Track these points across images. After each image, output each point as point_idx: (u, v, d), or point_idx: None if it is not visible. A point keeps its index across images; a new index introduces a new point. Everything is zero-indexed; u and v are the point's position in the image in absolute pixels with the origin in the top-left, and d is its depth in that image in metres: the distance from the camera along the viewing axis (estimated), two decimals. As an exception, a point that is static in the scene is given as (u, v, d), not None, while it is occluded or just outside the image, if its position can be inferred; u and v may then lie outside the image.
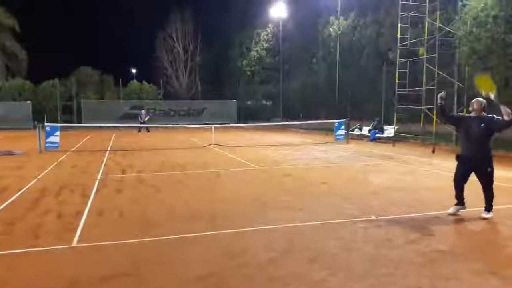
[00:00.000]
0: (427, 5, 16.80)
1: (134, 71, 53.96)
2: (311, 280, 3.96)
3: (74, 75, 37.58)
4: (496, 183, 8.81)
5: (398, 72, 18.24)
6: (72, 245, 4.96)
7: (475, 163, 6.16)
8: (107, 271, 4.18)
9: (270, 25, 38.43)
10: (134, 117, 33.76)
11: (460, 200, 6.24)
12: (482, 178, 6.19)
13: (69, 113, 33.81)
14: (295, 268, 4.24)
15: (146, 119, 27.28)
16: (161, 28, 41.96)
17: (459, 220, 6.02)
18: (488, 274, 4.10)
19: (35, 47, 39.54)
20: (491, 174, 6.16)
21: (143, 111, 28.11)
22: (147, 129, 26.41)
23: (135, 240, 5.13)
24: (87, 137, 22.59)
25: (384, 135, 19.85)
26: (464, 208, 6.24)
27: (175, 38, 41.74)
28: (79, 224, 5.78)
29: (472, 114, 6.24)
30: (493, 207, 6.16)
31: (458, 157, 6.30)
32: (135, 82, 38.35)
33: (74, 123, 30.89)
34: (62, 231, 5.49)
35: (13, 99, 33.06)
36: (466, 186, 6.27)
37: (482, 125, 6.06)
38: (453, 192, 6.29)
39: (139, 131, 26.27)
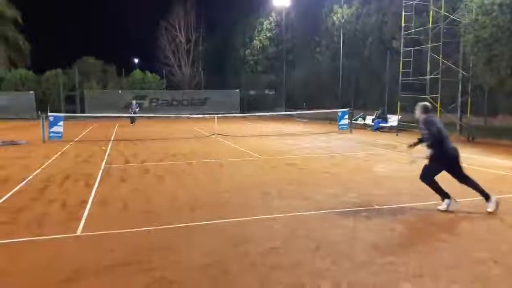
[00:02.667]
0: (432, -8, 16.60)
1: (136, 61, 53.84)
2: (314, 269, 3.98)
3: (77, 65, 37.51)
4: (502, 173, 8.86)
5: (402, 60, 18.12)
6: (77, 234, 4.99)
7: (458, 159, 5.99)
8: (111, 260, 4.22)
9: (273, 13, 38.08)
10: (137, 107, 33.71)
11: (445, 193, 5.99)
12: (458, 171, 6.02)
13: (72, 103, 33.81)
14: (298, 257, 4.26)
15: (137, 109, 26.59)
16: (163, 17, 41.72)
17: (462, 209, 6.00)
18: (491, 263, 4.11)
19: (38, 38, 39.53)
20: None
21: (134, 101, 27.55)
22: (132, 120, 25.78)
23: (139, 229, 5.16)
24: (91, 127, 22.64)
25: (388, 124, 19.77)
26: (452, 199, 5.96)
27: (177, 28, 41.46)
28: (83, 213, 5.82)
29: (433, 116, 6.25)
30: (498, 197, 6.05)
31: (446, 157, 5.92)
32: (138, 72, 38.26)
33: (77, 113, 30.91)
34: (66, 220, 5.53)
35: (16, 89, 33.08)
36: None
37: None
38: (456, 181, 6.09)
39: (132, 122, 25.61)
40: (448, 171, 5.97)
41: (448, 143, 5.93)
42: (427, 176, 6.02)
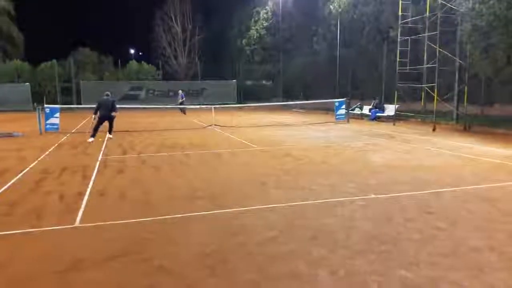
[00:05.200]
0: (429, -19, 16.50)
1: (132, 51, 53.42)
2: (311, 257, 4.01)
3: (72, 56, 37.21)
4: (499, 161, 8.95)
5: (399, 50, 18.07)
6: (75, 225, 5.00)
7: (108, 118, 13.27)
8: (110, 250, 4.23)
9: (269, 2, 37.79)
10: (134, 98, 33.60)
11: (95, 134, 13.03)
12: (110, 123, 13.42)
13: (69, 95, 33.58)
14: (296, 246, 4.29)
15: (183, 100, 26.88)
16: (158, 7, 41.33)
17: (458, 197, 6.05)
18: (487, 250, 4.15)
19: (32, 28, 39.07)
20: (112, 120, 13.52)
21: (180, 91, 27.60)
22: (183, 110, 26.23)
23: (137, 219, 5.18)
24: (87, 119, 22.51)
25: (385, 114, 19.79)
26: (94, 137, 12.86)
27: (173, 18, 41.12)
28: (81, 204, 5.82)
29: (101, 98, 13.50)
30: (495, 185, 6.58)
31: (101, 118, 13.19)
32: (134, 63, 38.00)
33: (74, 104, 30.74)
34: (64, 211, 5.53)
35: (12, 81, 32.81)
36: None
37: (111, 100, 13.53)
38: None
39: (184, 112, 26.07)
40: (104, 122, 13.25)
41: (102, 112, 13.09)
42: (95, 126, 13.02)
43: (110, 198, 6.23)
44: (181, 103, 26.23)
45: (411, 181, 7.08)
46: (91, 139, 12.68)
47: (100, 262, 3.96)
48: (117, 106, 13.61)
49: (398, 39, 18.11)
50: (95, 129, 12.99)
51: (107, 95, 13.63)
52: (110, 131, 13.54)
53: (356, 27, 26.14)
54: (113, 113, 13.21)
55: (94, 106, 13.43)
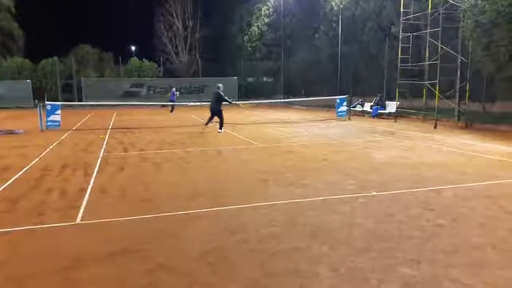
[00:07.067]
0: (431, -23, 16.41)
1: (133, 48, 53.33)
2: (312, 255, 4.01)
3: (73, 53, 37.21)
4: (500, 159, 8.97)
5: (401, 46, 18.00)
6: (76, 222, 5.01)
7: (214, 111, 13.93)
8: (111, 247, 4.24)
9: (271, -1, 37.67)
10: (135, 95, 33.60)
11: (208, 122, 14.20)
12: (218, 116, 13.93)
13: (70, 92, 33.60)
14: (297, 243, 4.29)
15: (174, 98, 26.46)
16: (159, 4, 41.25)
17: (460, 194, 6.04)
18: (489, 248, 4.14)
19: (33, 25, 39.01)
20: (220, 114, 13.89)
21: (173, 89, 27.24)
22: (172, 108, 25.95)
23: (138, 217, 5.18)
24: (88, 116, 22.54)
25: (386, 111, 19.74)
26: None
27: (174, 14, 41.07)
28: (82, 201, 5.83)
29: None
30: (497, 182, 6.62)
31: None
32: (135, 60, 37.98)
33: (75, 101, 30.76)
34: (65, 208, 5.54)
35: (13, 78, 32.82)
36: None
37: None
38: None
39: (171, 111, 25.72)
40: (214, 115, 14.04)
41: (211, 105, 13.99)
42: (209, 117, 14.17)
43: (111, 195, 6.24)
44: (171, 100, 25.78)
45: (412, 178, 7.07)
46: (205, 125, 14.20)
47: (101, 259, 3.96)
48: (123, 103, 13.11)
49: (400, 36, 18.04)
50: (208, 120, 14.09)
51: (218, 87, 13.93)
52: (219, 126, 13.78)
53: (358, 23, 26.05)
54: (221, 107, 13.76)
55: (94, 103, 13.39)
